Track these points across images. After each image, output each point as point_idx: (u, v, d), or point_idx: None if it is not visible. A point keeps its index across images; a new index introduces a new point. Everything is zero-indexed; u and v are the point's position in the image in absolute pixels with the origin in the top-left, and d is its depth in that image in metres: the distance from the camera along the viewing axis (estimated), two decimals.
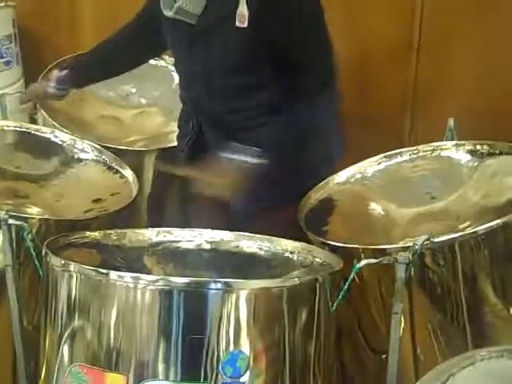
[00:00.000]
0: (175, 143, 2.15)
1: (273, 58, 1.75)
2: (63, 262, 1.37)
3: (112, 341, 1.31)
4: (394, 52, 2.57)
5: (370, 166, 2.02)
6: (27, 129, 2.17)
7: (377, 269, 1.56)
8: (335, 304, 1.39)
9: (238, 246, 1.73)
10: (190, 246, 1.74)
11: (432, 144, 1.99)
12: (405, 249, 1.44)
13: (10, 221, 1.56)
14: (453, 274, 1.57)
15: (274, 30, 1.70)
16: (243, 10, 1.66)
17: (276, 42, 1.72)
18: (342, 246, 1.62)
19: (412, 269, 1.46)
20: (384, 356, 1.75)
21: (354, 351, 1.84)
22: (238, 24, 1.68)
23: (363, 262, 1.39)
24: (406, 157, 2.01)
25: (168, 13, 1.79)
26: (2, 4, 2.94)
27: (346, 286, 1.38)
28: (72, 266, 1.35)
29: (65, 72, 2.08)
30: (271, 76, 1.79)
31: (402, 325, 1.57)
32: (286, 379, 1.33)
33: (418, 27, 2.50)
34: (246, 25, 1.67)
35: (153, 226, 1.79)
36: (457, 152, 1.96)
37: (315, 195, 1.92)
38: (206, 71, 1.82)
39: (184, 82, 1.97)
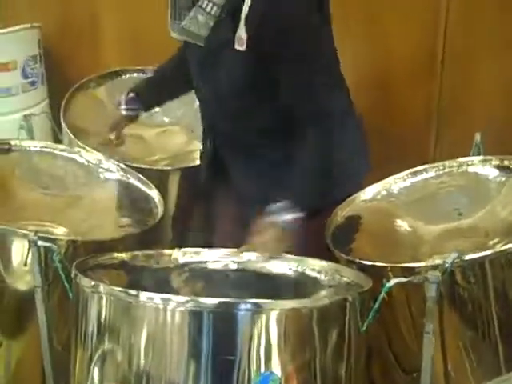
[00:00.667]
0: (198, 162, 2.16)
1: (275, 78, 1.72)
2: (93, 283, 1.38)
3: (142, 362, 1.31)
4: (418, 66, 2.57)
5: (396, 182, 2.01)
6: (53, 149, 2.19)
7: (405, 286, 1.55)
8: (365, 324, 1.37)
9: (264, 267, 1.72)
10: (217, 266, 1.74)
11: (458, 160, 1.98)
12: (434, 267, 1.43)
13: (40, 242, 1.58)
14: (483, 291, 1.56)
15: (273, 51, 1.67)
16: (242, 33, 1.65)
17: (277, 62, 1.69)
18: (370, 265, 1.60)
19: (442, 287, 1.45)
20: (415, 375, 1.74)
21: (384, 370, 1.82)
22: (236, 47, 1.67)
23: (393, 282, 1.38)
24: (431, 173, 2.00)
25: (172, 33, 1.79)
26: (28, 25, 2.97)
27: (376, 306, 1.37)
28: (102, 288, 1.36)
29: (131, 94, 2.13)
30: (277, 96, 1.76)
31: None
32: None
33: (442, 40, 2.49)
34: (243, 48, 1.66)
35: (178, 245, 1.79)
36: (484, 167, 1.94)
37: (341, 213, 1.91)
38: (216, 92, 1.82)
39: (199, 104, 1.98)
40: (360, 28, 1.94)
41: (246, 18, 1.64)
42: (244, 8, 1.63)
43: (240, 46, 1.67)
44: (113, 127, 2.19)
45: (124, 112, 2.14)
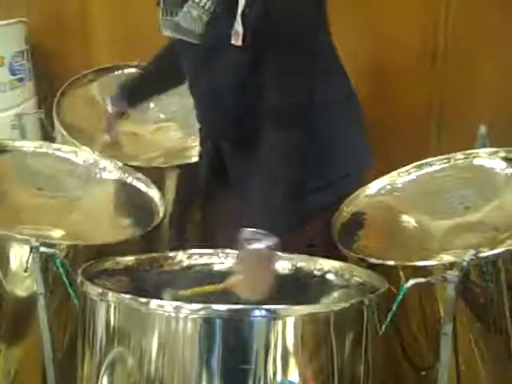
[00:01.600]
0: (194, 159, 2.12)
1: (272, 71, 1.66)
2: (100, 290, 1.33)
3: (153, 371, 1.27)
4: (420, 59, 2.54)
5: (401, 176, 1.98)
6: (48, 149, 2.13)
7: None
8: (383, 327, 1.34)
9: None
10: (223, 267, 1.71)
11: (464, 152, 1.95)
12: (451, 266, 1.40)
13: (42, 248, 1.52)
14: (496, 285, 1.54)
15: (270, 44, 1.61)
16: (238, 28, 1.60)
17: (273, 54, 1.63)
18: (380, 263, 1.57)
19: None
20: (424, 373, 1.72)
21: (394, 367, 1.79)
22: (233, 42, 1.62)
23: (411, 282, 1.35)
24: (436, 166, 1.97)
25: (165, 31, 1.72)
26: (15, 20, 2.90)
27: (394, 308, 1.33)
28: (110, 295, 1.31)
29: (117, 91, 2.14)
30: (276, 93, 1.68)
31: None
32: None
33: (443, 34, 2.47)
34: (239, 43, 1.61)
35: (178, 243, 1.75)
36: (490, 160, 1.92)
37: (347, 209, 1.88)
38: (213, 88, 1.76)
39: (194, 101, 1.92)
40: (362, 20, 1.92)
41: (243, 12, 1.59)
42: (240, 1, 1.58)
43: (236, 41, 1.61)
44: (105, 127, 2.18)
45: (110, 109, 2.14)
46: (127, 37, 2.97)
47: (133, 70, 2.68)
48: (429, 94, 2.51)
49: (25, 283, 1.69)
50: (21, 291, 1.73)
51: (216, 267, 1.71)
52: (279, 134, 1.61)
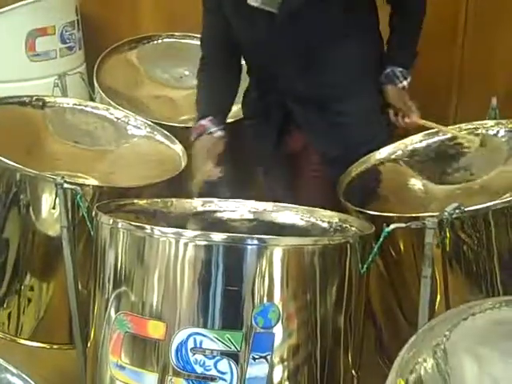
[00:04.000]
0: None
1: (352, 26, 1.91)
2: (112, 220, 1.47)
3: (155, 292, 1.40)
4: (440, 34, 2.58)
5: (411, 143, 2.06)
6: (85, 106, 2.30)
7: (412, 237, 1.62)
8: (365, 266, 1.45)
9: (278, 217, 1.80)
10: (233, 215, 1.83)
11: (474, 122, 2.02)
12: (435, 216, 1.49)
13: (65, 185, 1.69)
14: (487, 244, 1.61)
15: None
16: None
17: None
18: (377, 215, 1.67)
19: (445, 236, 1.52)
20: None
21: (390, 320, 1.89)
22: None
23: (392, 226, 1.45)
24: (447, 135, 2.05)
25: (254, 3, 1.87)
26: None
27: (375, 249, 1.44)
28: (120, 224, 1.45)
29: (208, 118, 2.02)
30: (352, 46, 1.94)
31: (438, 294, 1.64)
32: (317, 330, 1.40)
33: (464, 10, 2.52)
34: None
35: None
36: (498, 130, 1.98)
37: (356, 170, 1.98)
38: (298, 51, 1.94)
39: (268, 72, 2.04)
40: None
41: None
42: None
43: None
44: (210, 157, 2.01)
45: (219, 134, 2.01)
46: (171, 7, 3.11)
47: (172, 39, 2.83)
48: (449, 67, 2.57)
49: (54, 222, 1.84)
50: (51, 230, 1.89)
51: (227, 215, 1.83)
52: None
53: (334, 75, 1.97)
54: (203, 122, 2.00)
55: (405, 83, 2.05)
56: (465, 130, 2.03)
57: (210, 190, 1.95)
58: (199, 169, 1.96)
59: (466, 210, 1.51)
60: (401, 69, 2.04)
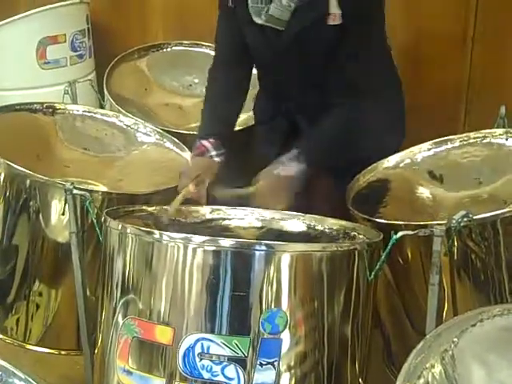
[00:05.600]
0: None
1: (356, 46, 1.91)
2: (120, 225, 1.48)
3: (163, 297, 1.40)
4: (449, 41, 2.61)
5: (420, 151, 2.06)
6: (94, 113, 2.31)
7: (419, 246, 1.62)
8: (373, 273, 1.45)
9: (286, 225, 1.81)
10: (242, 223, 1.84)
11: (482, 131, 2.02)
12: (443, 224, 1.49)
13: (75, 191, 1.70)
14: (495, 253, 1.61)
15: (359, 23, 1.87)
16: (335, 10, 1.84)
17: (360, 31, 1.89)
18: (385, 223, 1.67)
19: (453, 244, 1.52)
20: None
21: (398, 329, 1.89)
22: (330, 22, 1.85)
23: (400, 233, 1.45)
24: (456, 143, 2.05)
25: (258, 20, 1.92)
26: (77, 1, 3.10)
27: (383, 256, 1.44)
28: (129, 229, 1.46)
29: (211, 139, 1.99)
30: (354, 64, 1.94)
31: (446, 302, 1.63)
32: (324, 337, 1.40)
33: (473, 16, 2.53)
34: (340, 21, 1.85)
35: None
36: (507, 139, 1.98)
37: (364, 178, 1.98)
38: (302, 67, 1.97)
39: (275, 82, 2.08)
40: (393, 3, 2.01)
41: None
42: None
43: (334, 21, 1.85)
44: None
45: (217, 159, 1.98)
46: (181, 16, 3.13)
47: (181, 47, 2.85)
48: (458, 75, 2.57)
49: (63, 228, 1.85)
50: (60, 236, 1.90)
51: (235, 222, 1.83)
52: None
53: (338, 92, 1.97)
54: (205, 142, 1.98)
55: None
56: (473, 138, 2.03)
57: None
58: (182, 186, 1.90)
59: (474, 217, 1.51)
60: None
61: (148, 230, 1.45)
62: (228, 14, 2.02)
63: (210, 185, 1.93)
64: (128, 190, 2.03)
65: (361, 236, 1.67)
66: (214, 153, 1.97)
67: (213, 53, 2.45)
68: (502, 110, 2.08)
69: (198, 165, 1.97)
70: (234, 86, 2.09)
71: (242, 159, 2.13)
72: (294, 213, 1.81)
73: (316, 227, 1.78)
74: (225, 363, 1.33)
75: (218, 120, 2.06)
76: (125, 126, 2.29)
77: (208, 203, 1.90)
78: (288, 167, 1.89)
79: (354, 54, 1.91)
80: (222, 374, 1.33)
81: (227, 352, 1.33)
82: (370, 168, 2.00)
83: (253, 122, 2.31)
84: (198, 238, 1.39)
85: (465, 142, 2.04)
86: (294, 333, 1.36)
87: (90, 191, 1.79)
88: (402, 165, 2.05)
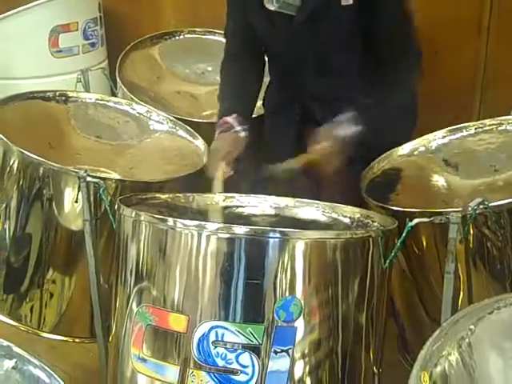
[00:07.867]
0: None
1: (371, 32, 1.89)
2: (134, 213, 1.47)
3: (177, 285, 1.40)
4: (464, 29, 2.59)
5: (435, 139, 2.04)
6: (107, 101, 2.31)
7: (435, 234, 1.61)
8: (387, 261, 1.44)
9: (300, 212, 1.80)
10: (255, 211, 1.83)
11: (498, 118, 2.00)
12: (459, 211, 1.48)
13: (88, 178, 1.70)
14: (511, 241, 1.60)
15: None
16: None
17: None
18: (400, 211, 1.66)
19: (469, 232, 1.50)
20: None
21: (412, 318, 1.88)
22: (343, 3, 1.84)
23: (415, 221, 1.44)
24: (471, 130, 2.03)
25: (271, 7, 1.90)
26: None
27: (398, 243, 1.43)
28: (142, 217, 1.45)
29: (234, 115, 1.99)
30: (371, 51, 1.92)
31: (461, 290, 1.62)
32: (339, 324, 1.39)
33: (488, 7, 2.50)
34: (351, 2, 1.84)
35: None
36: None
37: (378, 165, 1.97)
38: (314, 53, 1.95)
39: (286, 70, 2.06)
40: None
41: None
42: None
43: (346, 1, 1.84)
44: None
45: (243, 134, 1.97)
46: (193, 4, 3.12)
47: (193, 35, 2.84)
48: (473, 65, 2.55)
49: (77, 216, 1.85)
50: (73, 224, 1.90)
51: (249, 210, 1.83)
52: None
53: (349, 78, 1.96)
54: (229, 119, 1.98)
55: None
56: (489, 125, 2.01)
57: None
58: (214, 165, 1.93)
59: (490, 205, 1.49)
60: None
61: (162, 217, 1.45)
62: (238, 4, 2.03)
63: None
64: (141, 177, 2.02)
65: (375, 223, 1.66)
66: (239, 128, 1.96)
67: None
68: None
69: (226, 141, 1.96)
70: (248, 74, 2.11)
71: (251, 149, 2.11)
72: (308, 200, 1.80)
73: (330, 214, 1.77)
74: (239, 351, 1.32)
75: (237, 100, 2.06)
76: (138, 114, 2.28)
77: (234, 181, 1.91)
78: (346, 128, 1.86)
79: (367, 41, 1.90)
80: (237, 361, 1.33)
81: (241, 340, 1.32)
82: (384, 155, 1.99)
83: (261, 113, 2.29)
84: (211, 226, 1.39)
85: (480, 130, 2.02)
86: (309, 320, 1.35)
87: (104, 179, 1.78)
88: (416, 152, 2.03)
